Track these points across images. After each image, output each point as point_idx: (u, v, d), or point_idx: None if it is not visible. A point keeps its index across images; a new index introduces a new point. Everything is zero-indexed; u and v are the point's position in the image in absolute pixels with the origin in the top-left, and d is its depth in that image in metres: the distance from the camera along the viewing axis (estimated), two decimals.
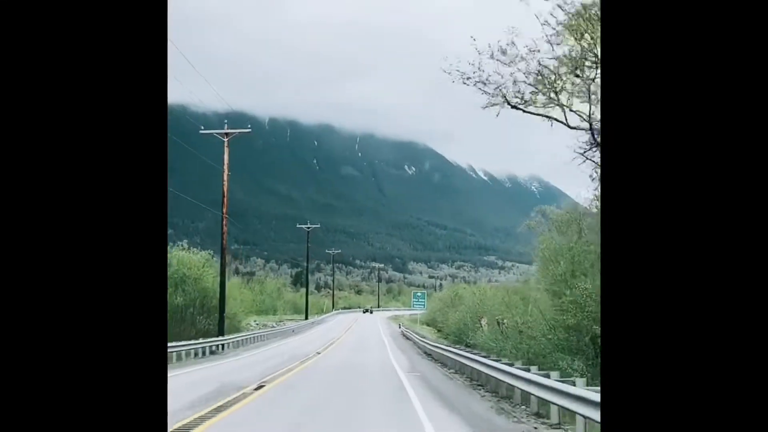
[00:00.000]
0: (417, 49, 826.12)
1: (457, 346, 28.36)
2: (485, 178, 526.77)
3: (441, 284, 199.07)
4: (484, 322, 29.30)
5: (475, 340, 28.05)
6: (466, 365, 21.07)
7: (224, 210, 38.22)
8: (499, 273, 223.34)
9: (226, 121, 39.16)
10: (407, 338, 49.69)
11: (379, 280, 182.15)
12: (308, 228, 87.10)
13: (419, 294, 71.47)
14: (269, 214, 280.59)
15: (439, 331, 56.41)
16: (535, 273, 28.89)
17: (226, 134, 38.09)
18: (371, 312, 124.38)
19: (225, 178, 37.78)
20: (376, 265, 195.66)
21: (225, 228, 38.36)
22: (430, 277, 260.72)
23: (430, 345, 33.04)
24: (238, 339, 39.88)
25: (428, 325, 68.67)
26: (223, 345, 35.94)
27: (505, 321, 24.31)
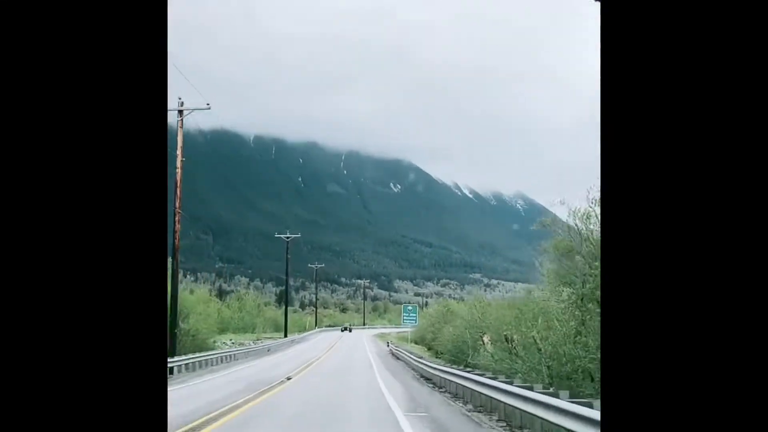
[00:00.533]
0: (403, 64, 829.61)
1: (458, 366, 24.63)
2: (470, 195, 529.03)
3: (427, 302, 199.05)
4: (486, 339, 25.70)
5: (478, 359, 24.60)
6: (497, 400, 14.70)
7: (177, 204, 31.89)
8: (485, 290, 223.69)
9: (180, 98, 33.23)
10: (397, 358, 45.16)
11: (365, 298, 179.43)
12: (287, 238, 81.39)
13: (410, 308, 66.04)
14: (254, 231, 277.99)
15: (429, 349, 52.24)
16: (538, 287, 25.68)
17: (180, 112, 32.47)
18: (350, 330, 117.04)
19: (178, 164, 31.62)
20: (362, 282, 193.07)
21: (177, 225, 32.00)
22: (416, 294, 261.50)
23: (428, 366, 27.57)
24: (194, 360, 33.95)
25: (417, 343, 63.96)
26: (172, 368, 29.69)
27: (515, 338, 20.78)
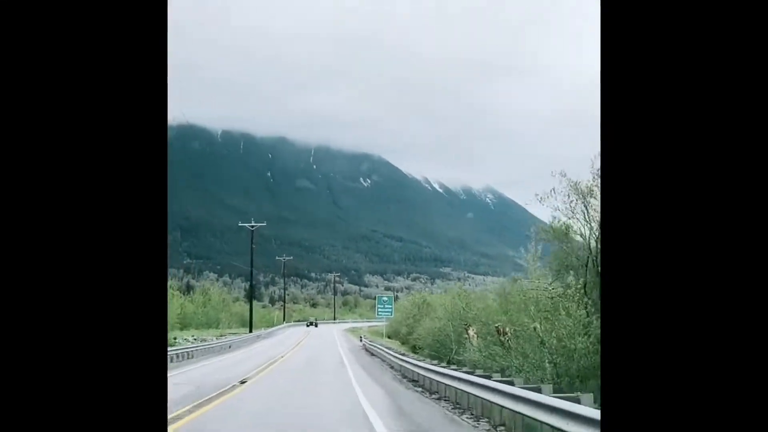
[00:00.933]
0: (373, 58, 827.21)
1: (441, 363, 21.97)
2: (440, 190, 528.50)
3: (397, 296, 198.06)
4: (472, 332, 23.01)
5: (464, 354, 22.00)
6: (532, 418, 10.23)
7: None
8: (455, 285, 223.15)
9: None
10: (372, 354, 41.27)
11: (335, 293, 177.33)
12: (252, 227, 77.88)
13: (385, 298, 60.07)
14: (223, 227, 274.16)
15: (403, 344, 49.14)
16: (528, 275, 23.13)
17: None
18: (316, 325, 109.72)
19: None
20: (332, 276, 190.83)
21: None
22: (386, 289, 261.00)
23: (412, 365, 22.50)
24: None
25: (391, 337, 60.24)
26: None
27: (507, 330, 18.19)
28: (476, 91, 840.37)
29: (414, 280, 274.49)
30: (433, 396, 17.89)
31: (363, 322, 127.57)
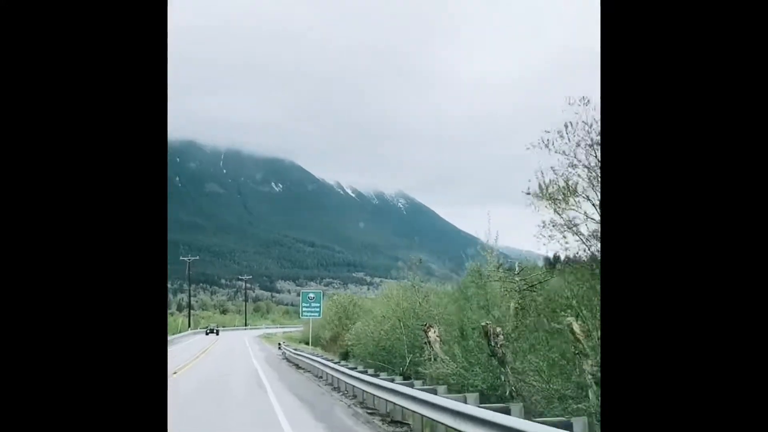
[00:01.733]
0: (283, 63, 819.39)
1: (398, 379, 16.91)
2: (353, 194, 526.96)
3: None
4: (433, 334, 17.91)
5: (428, 366, 16.95)
6: None
7: None
8: (368, 289, 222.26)
9: None
10: (298, 366, 33.63)
11: (246, 299, 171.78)
12: (189, 259, 72.18)
13: (311, 294, 48.54)
14: None
15: (327, 351, 43.35)
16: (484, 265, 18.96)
17: None
18: (217, 333, 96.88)
19: None
20: (243, 282, 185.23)
21: None
22: (299, 294, 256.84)
23: (374, 386, 15.65)
24: None
25: (309, 344, 54.97)
26: None
27: (499, 331, 13.41)
28: (388, 93, 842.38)
29: (327, 285, 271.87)
30: None
31: (276, 328, 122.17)
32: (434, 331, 17.47)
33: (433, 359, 17.03)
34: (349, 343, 34.23)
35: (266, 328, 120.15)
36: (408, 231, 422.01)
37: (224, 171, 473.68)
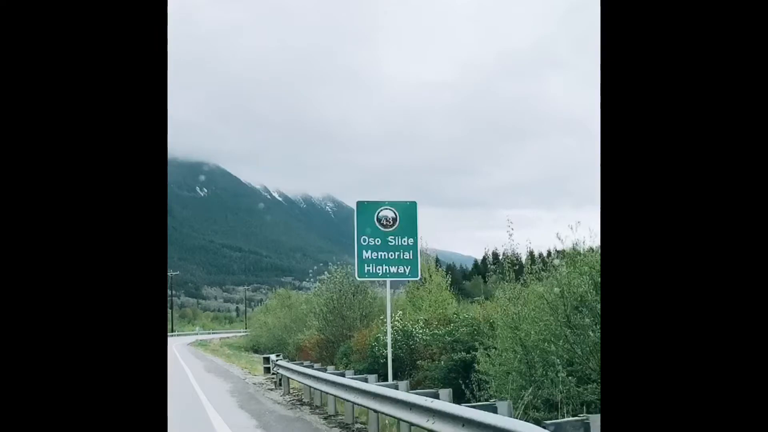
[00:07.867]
0: (204, 66, 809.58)
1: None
2: (280, 198, 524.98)
3: (237, 308, 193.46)
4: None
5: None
6: None
7: None
8: (297, 294, 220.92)
9: None
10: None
11: (171, 306, 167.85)
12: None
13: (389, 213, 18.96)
14: None
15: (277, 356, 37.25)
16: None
17: None
18: None
19: None
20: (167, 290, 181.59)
21: None
22: (226, 301, 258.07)
23: None
24: None
25: (256, 350, 49.19)
26: None
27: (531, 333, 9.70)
28: (315, 96, 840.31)
29: (255, 290, 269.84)
30: None
31: (211, 334, 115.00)
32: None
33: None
34: (311, 347, 29.67)
35: (196, 335, 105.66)
36: (336, 235, 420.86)
37: None
